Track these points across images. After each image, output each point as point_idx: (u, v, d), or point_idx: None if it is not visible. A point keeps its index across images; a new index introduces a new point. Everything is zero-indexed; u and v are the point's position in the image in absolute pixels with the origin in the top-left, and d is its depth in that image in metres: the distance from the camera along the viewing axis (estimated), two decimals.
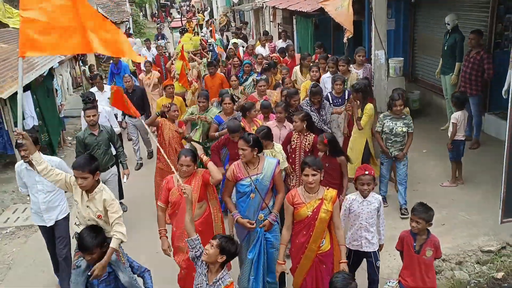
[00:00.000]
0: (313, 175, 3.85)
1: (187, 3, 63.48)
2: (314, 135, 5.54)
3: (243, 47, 14.74)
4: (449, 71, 8.03)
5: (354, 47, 12.34)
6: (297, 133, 5.57)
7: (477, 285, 4.88)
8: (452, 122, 6.34)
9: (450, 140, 6.37)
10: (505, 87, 6.45)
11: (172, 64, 11.83)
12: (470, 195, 6.27)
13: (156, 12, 53.03)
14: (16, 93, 8.11)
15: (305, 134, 5.54)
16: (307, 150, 5.51)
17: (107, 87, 9.00)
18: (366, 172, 4.20)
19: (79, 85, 15.03)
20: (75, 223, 4.14)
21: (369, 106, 6.40)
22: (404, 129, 5.81)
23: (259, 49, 12.99)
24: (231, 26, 28.61)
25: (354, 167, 5.78)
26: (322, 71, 8.23)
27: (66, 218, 5.22)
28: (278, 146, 5.34)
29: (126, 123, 9.00)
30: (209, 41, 21.10)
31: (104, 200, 3.95)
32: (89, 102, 6.94)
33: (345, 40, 8.72)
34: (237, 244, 3.37)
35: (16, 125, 8.51)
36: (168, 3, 62.13)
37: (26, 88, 8.75)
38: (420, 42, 10.32)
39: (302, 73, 8.94)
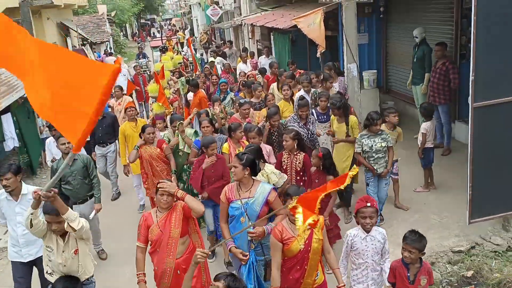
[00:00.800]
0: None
1: (168, 22, 63.98)
2: (304, 154, 5.40)
3: (223, 64, 14.95)
4: (420, 82, 8.38)
5: (331, 61, 12.82)
6: (287, 153, 5.43)
7: (449, 284, 5.11)
8: (422, 132, 6.64)
9: (420, 149, 6.66)
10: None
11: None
12: (441, 199, 6.55)
13: (137, 31, 53.30)
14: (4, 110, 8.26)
15: (295, 153, 5.41)
16: (298, 169, 5.38)
17: None
18: (368, 204, 3.83)
19: None
20: (47, 271, 3.95)
21: (353, 119, 6.43)
22: (383, 144, 5.79)
23: (240, 66, 13.08)
24: (212, 44, 28.98)
25: (341, 170, 5.99)
26: (295, 89, 8.36)
27: None
28: (269, 167, 5.13)
29: (95, 153, 8.19)
30: (190, 59, 21.44)
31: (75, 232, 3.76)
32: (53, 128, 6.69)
33: (318, 54, 9.06)
34: (243, 282, 3.19)
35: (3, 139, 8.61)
36: (149, 22, 62.56)
37: (6, 110, 8.84)
38: (392, 54, 10.72)
39: (279, 89, 8.89)
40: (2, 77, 9.77)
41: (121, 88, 9.94)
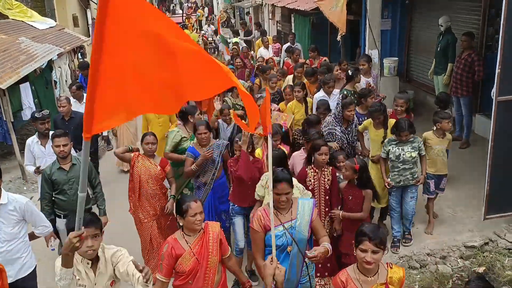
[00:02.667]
0: (374, 252, 2.76)
1: None
2: (331, 167, 4.71)
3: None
4: (442, 72, 8.20)
5: (352, 46, 12.66)
6: (312, 169, 4.65)
7: (459, 279, 5.06)
8: None
9: None
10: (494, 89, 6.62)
11: None
12: (456, 193, 6.45)
13: (156, 6, 53.02)
14: (16, 83, 8.26)
15: (323, 168, 4.67)
16: (327, 187, 4.63)
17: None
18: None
19: (77, 77, 15.17)
20: None
21: (393, 122, 5.55)
22: (414, 154, 5.19)
23: (261, 51, 12.31)
24: (231, 22, 28.72)
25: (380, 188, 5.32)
26: (311, 87, 7.59)
27: (33, 274, 4.07)
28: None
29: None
30: (210, 38, 21.24)
31: (110, 258, 3.07)
32: (41, 119, 5.62)
33: (338, 38, 8.93)
34: None
35: (15, 116, 8.66)
36: None
37: (24, 79, 8.89)
38: (415, 42, 10.48)
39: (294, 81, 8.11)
40: (22, 46, 9.80)
41: None
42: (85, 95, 7.44)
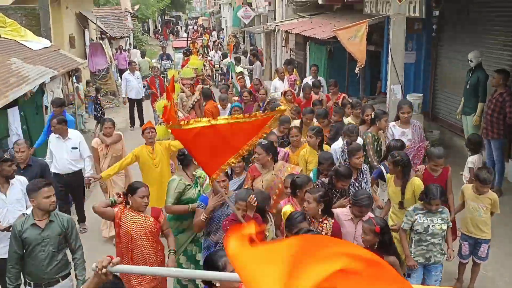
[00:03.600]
0: None
1: (194, 21, 65.01)
2: (333, 220, 4.51)
3: (248, 73, 14.72)
4: (471, 112, 8.26)
5: (372, 79, 12.83)
6: (309, 218, 4.48)
7: None
8: (469, 167, 6.51)
9: None
10: None
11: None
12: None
13: (160, 28, 54.26)
14: (3, 107, 8.43)
15: (321, 219, 4.48)
16: None
17: (73, 133, 7.58)
18: None
19: (70, 102, 15.41)
20: None
21: (417, 182, 5.26)
22: (444, 227, 4.90)
23: (276, 83, 11.97)
24: (240, 48, 29.29)
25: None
26: (325, 129, 7.19)
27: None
28: None
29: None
30: (217, 65, 21.54)
31: None
32: (8, 161, 5.34)
33: (356, 70, 9.08)
34: None
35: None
36: (173, 19, 63.68)
37: (13, 103, 9.05)
38: (442, 78, 10.61)
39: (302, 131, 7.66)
40: (13, 67, 10.03)
41: (113, 124, 7.94)
42: (70, 130, 7.52)
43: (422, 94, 9.89)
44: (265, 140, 5.99)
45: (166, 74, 16.87)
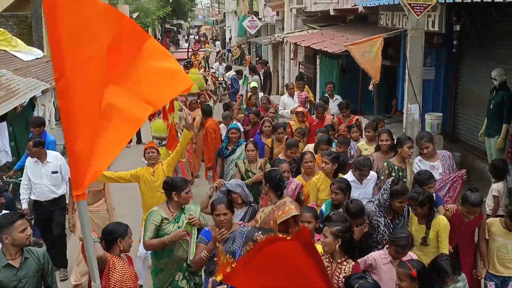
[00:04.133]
0: None
1: (196, 30, 65.48)
2: (353, 263, 4.29)
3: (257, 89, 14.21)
4: (495, 134, 8.20)
5: (387, 97, 12.80)
6: (326, 257, 4.33)
7: None
8: (493, 195, 6.43)
9: (492, 216, 6.42)
10: None
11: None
12: None
13: (159, 37, 54.67)
14: None
15: (339, 260, 4.29)
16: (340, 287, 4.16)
17: (52, 155, 7.21)
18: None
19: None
20: None
21: (442, 222, 5.02)
22: None
23: (285, 100, 11.83)
24: (245, 59, 29.47)
25: None
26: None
27: None
28: None
29: None
30: (220, 77, 21.55)
31: None
32: None
33: (370, 87, 9.08)
34: None
35: None
36: (174, 28, 64.19)
37: (1, 119, 9.08)
38: (464, 96, 10.57)
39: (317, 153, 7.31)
40: (2, 80, 10.08)
41: None
42: (48, 152, 7.17)
43: (441, 114, 9.83)
44: (274, 168, 5.98)
45: None
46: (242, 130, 9.13)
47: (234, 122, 9.66)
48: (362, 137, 8.22)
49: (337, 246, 4.22)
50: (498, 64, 8.58)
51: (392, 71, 11.46)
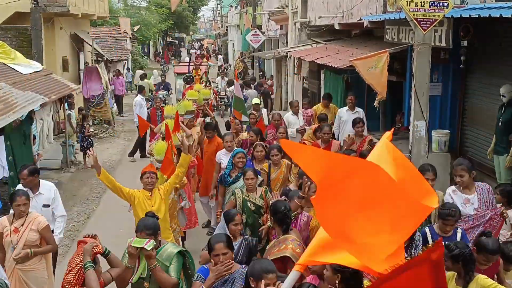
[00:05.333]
0: None
1: (199, 44, 65.93)
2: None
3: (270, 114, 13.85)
4: (504, 152, 8.19)
5: (392, 112, 12.82)
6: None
7: None
8: (511, 223, 5.95)
9: None
10: None
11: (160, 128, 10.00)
12: None
13: (161, 51, 55.04)
14: None
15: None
16: None
17: (45, 187, 6.83)
18: None
19: (61, 131, 15.53)
20: None
21: (484, 282, 4.42)
22: None
23: (289, 118, 11.60)
24: (248, 74, 29.61)
25: None
26: None
27: None
28: None
29: None
30: (222, 92, 21.65)
31: None
32: None
33: (375, 103, 9.09)
34: None
35: None
36: (176, 41, 64.68)
37: None
38: (471, 113, 10.58)
39: None
40: (0, 93, 10.16)
41: (27, 198, 6.18)
42: (42, 182, 6.71)
43: (448, 131, 9.87)
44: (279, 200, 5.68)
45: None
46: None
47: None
48: None
49: (337, 282, 4.01)
50: (506, 81, 8.61)
51: (398, 86, 11.52)
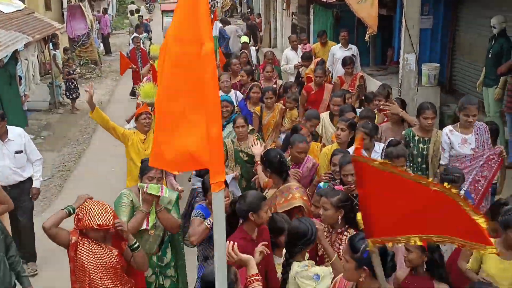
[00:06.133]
0: None
1: None
2: (354, 232, 4.07)
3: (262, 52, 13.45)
4: (493, 83, 8.22)
5: (383, 47, 12.72)
6: (326, 227, 4.20)
7: None
8: None
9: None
10: None
11: (149, 70, 9.62)
12: None
13: None
14: None
15: (340, 230, 4.17)
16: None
17: (15, 133, 6.43)
18: None
19: (47, 72, 15.32)
20: None
21: None
22: None
23: (288, 54, 11.31)
24: (237, 12, 29.01)
25: None
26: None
27: None
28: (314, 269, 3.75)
29: None
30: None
31: None
32: None
33: (366, 38, 9.01)
34: None
35: None
36: None
37: None
38: (462, 45, 10.52)
39: (333, 121, 6.87)
40: None
41: None
42: (10, 128, 6.35)
43: (439, 64, 9.82)
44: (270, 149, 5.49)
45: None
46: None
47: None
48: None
49: (339, 218, 4.07)
50: (498, 12, 8.51)
51: (388, 20, 11.36)
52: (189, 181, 8.50)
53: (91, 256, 3.96)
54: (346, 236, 4.06)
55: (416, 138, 5.74)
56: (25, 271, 4.66)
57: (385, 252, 3.01)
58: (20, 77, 11.18)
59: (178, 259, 5.12)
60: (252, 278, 3.07)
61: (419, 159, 5.83)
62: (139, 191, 4.61)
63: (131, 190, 4.76)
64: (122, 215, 4.50)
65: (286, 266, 3.69)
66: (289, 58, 11.08)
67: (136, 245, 4.08)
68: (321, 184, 5.05)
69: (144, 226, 4.57)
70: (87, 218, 3.84)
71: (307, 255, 3.89)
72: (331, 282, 3.49)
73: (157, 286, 4.98)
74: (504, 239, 3.93)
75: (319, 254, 4.17)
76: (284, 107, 7.62)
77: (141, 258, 4.14)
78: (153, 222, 4.63)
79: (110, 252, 4.02)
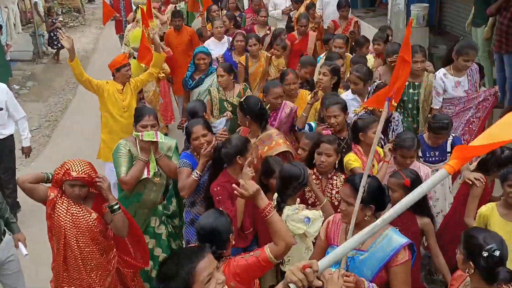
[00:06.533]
0: None
1: None
2: (343, 175, 4.26)
3: None
4: (483, 23, 8.13)
5: None
6: (314, 175, 4.26)
7: None
8: None
9: None
10: None
11: (134, 18, 9.01)
12: None
13: None
14: None
15: (329, 175, 4.26)
16: (337, 204, 3.97)
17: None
18: None
19: (29, 21, 14.96)
20: None
21: None
22: None
23: None
24: None
25: None
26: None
27: None
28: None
29: None
30: None
31: None
32: None
33: None
34: None
35: None
36: None
37: None
38: None
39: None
40: None
41: None
42: None
43: (427, 4, 9.68)
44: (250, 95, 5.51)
45: None
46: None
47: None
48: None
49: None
50: None
51: None
52: (179, 128, 8.54)
53: (68, 216, 3.91)
54: (336, 180, 4.20)
55: (407, 83, 5.45)
56: (13, 218, 4.67)
57: (381, 187, 3.19)
58: (0, 26, 10.91)
59: (182, 208, 5.13)
60: (269, 209, 2.95)
61: (410, 105, 5.82)
62: (136, 140, 4.58)
63: (128, 140, 4.73)
64: (121, 165, 4.52)
65: (278, 211, 3.67)
66: (276, 3, 10.55)
67: (116, 206, 3.93)
68: (312, 123, 5.20)
69: (145, 175, 4.56)
70: (62, 170, 3.85)
71: (298, 200, 3.93)
72: (322, 224, 3.59)
73: (168, 235, 5.02)
74: (504, 200, 3.95)
75: (310, 202, 4.22)
76: (269, 55, 7.45)
77: (121, 222, 3.95)
78: (154, 170, 4.61)
79: (89, 215, 3.97)
